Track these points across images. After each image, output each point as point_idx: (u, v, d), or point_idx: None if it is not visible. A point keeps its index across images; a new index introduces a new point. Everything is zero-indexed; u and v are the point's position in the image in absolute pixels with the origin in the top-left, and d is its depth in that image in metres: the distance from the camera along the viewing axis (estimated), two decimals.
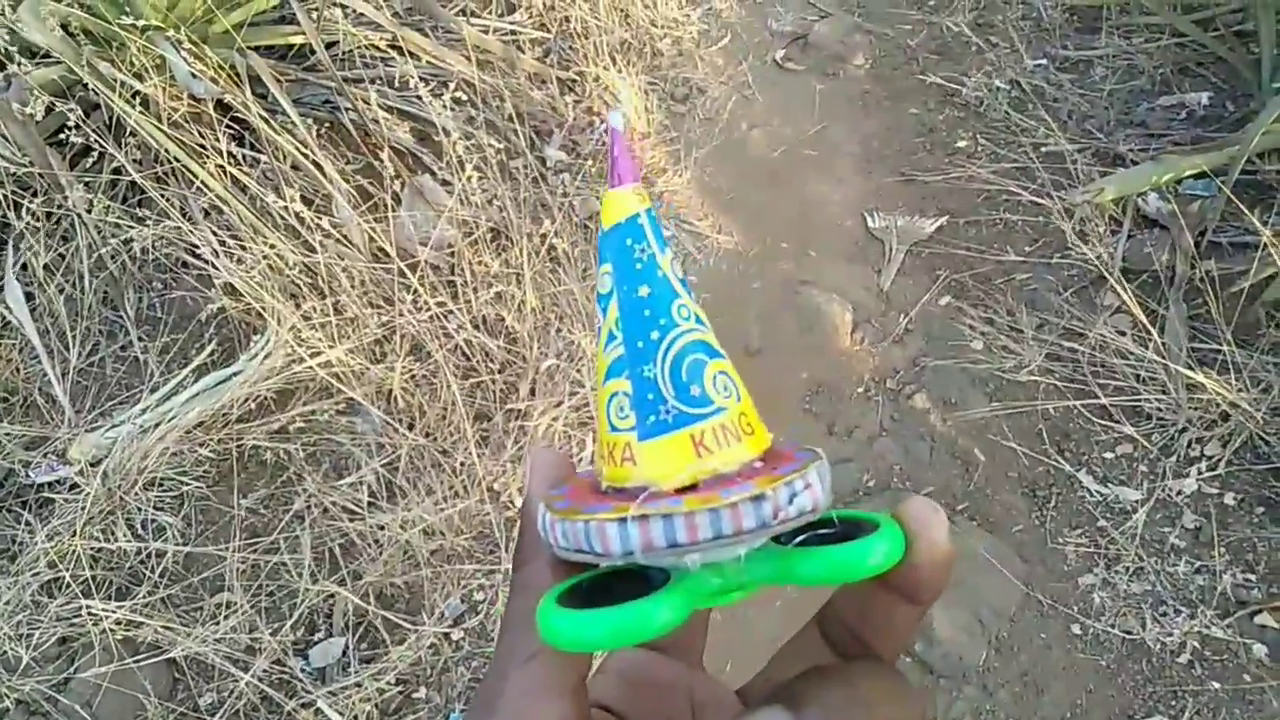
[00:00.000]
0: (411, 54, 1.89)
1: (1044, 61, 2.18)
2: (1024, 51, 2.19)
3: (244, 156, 1.66)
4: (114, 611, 1.37)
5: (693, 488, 0.26)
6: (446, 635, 1.40)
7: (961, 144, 2.05)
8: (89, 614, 1.36)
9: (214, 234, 1.55)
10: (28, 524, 1.48)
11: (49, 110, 1.62)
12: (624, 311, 0.27)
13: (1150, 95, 2.05)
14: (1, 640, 1.36)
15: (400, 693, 1.35)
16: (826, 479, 0.26)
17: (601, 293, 0.28)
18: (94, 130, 1.57)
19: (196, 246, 1.57)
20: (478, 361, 1.62)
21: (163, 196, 1.59)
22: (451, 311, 1.62)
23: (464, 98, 1.80)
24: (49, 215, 1.71)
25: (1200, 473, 1.49)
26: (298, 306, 1.58)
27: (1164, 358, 1.55)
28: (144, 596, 1.41)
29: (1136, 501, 1.48)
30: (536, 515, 0.28)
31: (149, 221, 1.62)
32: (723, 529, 0.24)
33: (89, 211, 1.65)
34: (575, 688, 0.27)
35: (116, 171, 1.70)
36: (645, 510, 0.24)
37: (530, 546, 0.29)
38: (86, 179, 1.70)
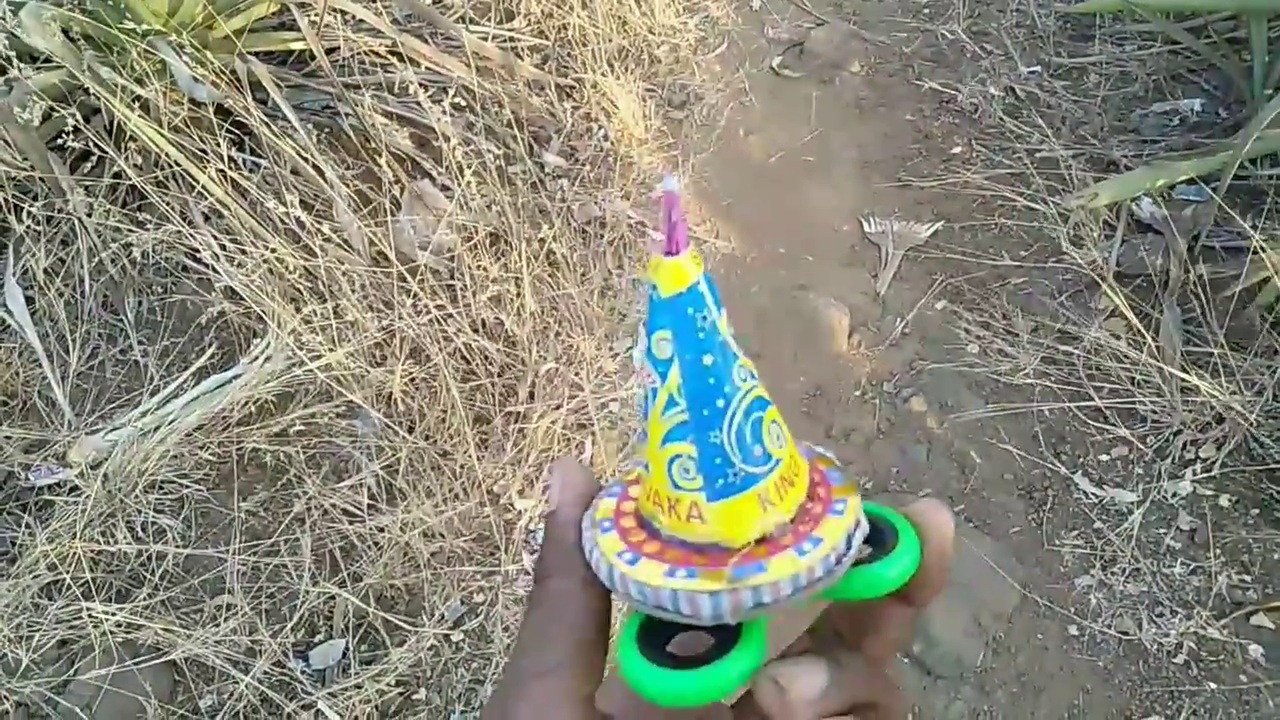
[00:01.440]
0: (411, 60, 1.90)
1: (1038, 68, 2.20)
2: (1018, 58, 2.21)
3: (244, 161, 1.67)
4: (114, 614, 1.37)
5: (762, 539, 0.28)
6: (446, 637, 1.40)
7: (957, 150, 2.06)
8: (89, 616, 1.37)
9: (214, 238, 1.56)
10: (28, 526, 1.48)
11: (46, 117, 1.63)
12: (687, 379, 0.28)
13: (1143, 102, 2.07)
14: (1, 643, 1.36)
15: (400, 694, 1.36)
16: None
17: (660, 357, 0.28)
18: (94, 135, 1.58)
19: (197, 250, 1.58)
20: (477, 365, 1.62)
21: (163, 201, 1.60)
22: (451, 315, 1.63)
23: (463, 104, 1.81)
24: (49, 219, 1.72)
25: (1195, 475, 1.50)
26: (298, 310, 1.58)
27: (1158, 361, 1.56)
28: (144, 599, 1.42)
29: (1132, 503, 1.49)
30: (564, 532, 0.30)
31: (149, 225, 1.63)
32: (800, 584, 0.27)
33: (89, 215, 1.66)
34: (589, 699, 0.28)
35: (117, 176, 1.70)
36: (737, 585, 0.26)
37: (558, 562, 0.29)
38: (87, 183, 1.71)
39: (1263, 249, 1.53)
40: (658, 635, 0.28)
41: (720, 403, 0.28)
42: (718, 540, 0.28)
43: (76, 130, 1.55)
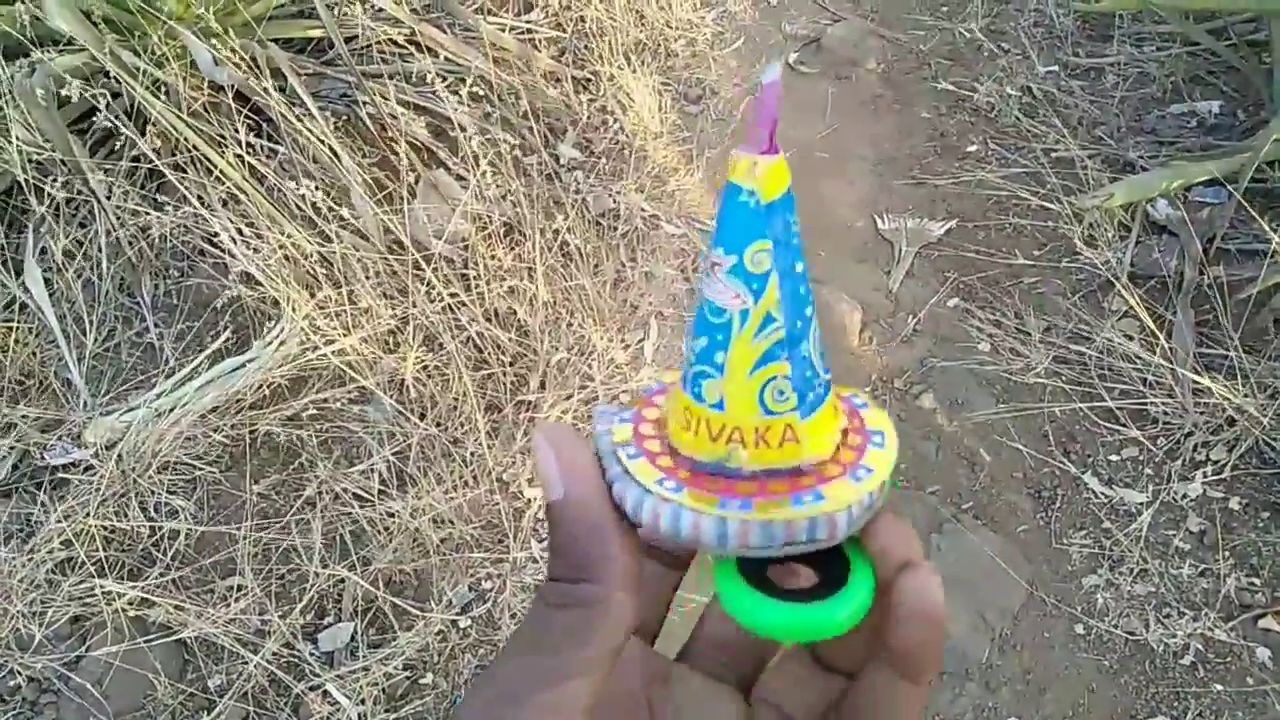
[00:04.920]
0: (429, 50, 1.91)
1: (1055, 68, 2.19)
2: (1036, 58, 2.21)
3: (262, 147, 1.68)
4: (126, 591, 1.39)
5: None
6: (454, 623, 1.41)
7: (972, 148, 2.06)
8: (102, 593, 1.38)
9: (231, 222, 1.57)
10: (43, 504, 1.50)
11: (63, 102, 1.64)
12: (785, 292, 0.26)
13: (1161, 103, 2.06)
14: (15, 618, 1.38)
15: (407, 678, 1.37)
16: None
17: (756, 272, 0.25)
18: (115, 117, 1.59)
19: (214, 234, 1.59)
20: (489, 353, 1.63)
21: (181, 184, 1.61)
22: (464, 304, 1.64)
23: (480, 94, 1.82)
24: (69, 201, 1.73)
25: (1205, 477, 1.49)
26: (312, 295, 1.60)
27: (1171, 362, 1.56)
28: (156, 577, 1.43)
29: (1141, 504, 1.49)
30: (587, 525, 0.27)
31: (167, 208, 1.64)
32: (862, 509, 0.26)
33: (108, 197, 1.67)
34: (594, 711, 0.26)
35: (136, 159, 1.72)
36: (812, 511, 0.26)
37: (580, 558, 0.26)
38: (106, 165, 1.72)
39: (1279, 252, 1.52)
40: (751, 571, 0.27)
41: (808, 310, 0.27)
42: (813, 458, 0.27)
43: (100, 110, 1.57)
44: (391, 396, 1.58)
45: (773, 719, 0.31)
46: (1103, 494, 1.51)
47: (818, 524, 0.26)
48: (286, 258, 1.60)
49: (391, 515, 1.48)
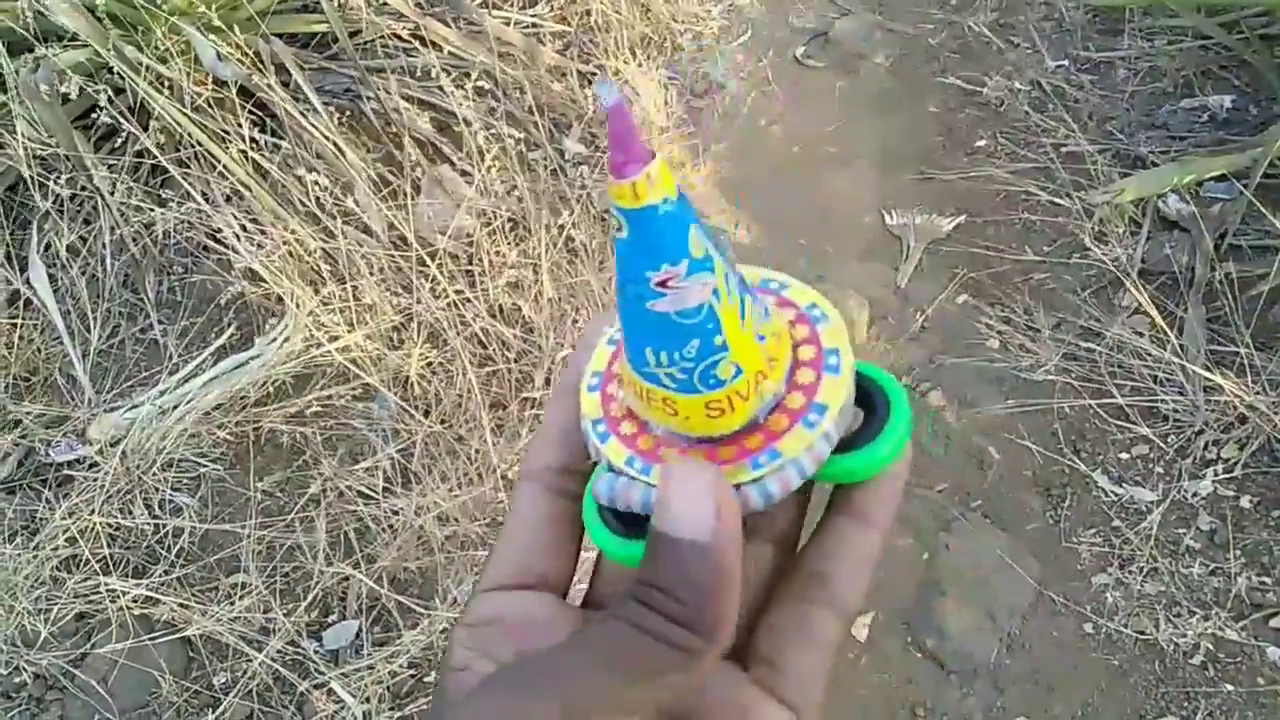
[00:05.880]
0: (434, 44, 1.90)
1: (1065, 62, 2.18)
2: (1045, 52, 2.19)
3: (266, 143, 1.67)
4: (131, 589, 1.38)
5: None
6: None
7: (981, 143, 2.04)
8: (107, 591, 1.38)
9: (235, 218, 1.57)
10: (48, 501, 1.50)
11: (66, 98, 1.63)
12: (726, 259, 0.27)
13: (1172, 97, 2.04)
14: (21, 614, 1.38)
15: (412, 676, 1.36)
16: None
17: (699, 256, 0.26)
18: (119, 114, 1.59)
19: (218, 231, 1.59)
20: (494, 350, 1.62)
21: (185, 180, 1.60)
22: (469, 300, 1.63)
23: (485, 89, 1.81)
24: (73, 197, 1.73)
25: (1216, 475, 1.48)
26: (316, 292, 1.59)
27: (1182, 359, 1.54)
28: (161, 575, 1.43)
29: (1151, 502, 1.48)
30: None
31: (171, 204, 1.64)
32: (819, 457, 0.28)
33: (112, 193, 1.67)
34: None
35: (139, 155, 1.71)
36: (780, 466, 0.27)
37: (698, 605, 0.25)
38: (110, 161, 1.72)
39: None
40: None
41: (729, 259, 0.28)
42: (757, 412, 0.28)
43: (104, 106, 1.56)
44: (396, 394, 1.57)
45: None
46: (1113, 492, 1.50)
47: (768, 486, 0.27)
48: (290, 254, 1.59)
49: (396, 513, 1.47)
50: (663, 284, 0.26)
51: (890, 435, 0.28)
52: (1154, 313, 1.58)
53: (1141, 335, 1.62)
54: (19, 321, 1.68)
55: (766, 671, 0.29)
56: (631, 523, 0.29)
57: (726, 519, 0.25)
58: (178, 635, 1.38)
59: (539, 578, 0.30)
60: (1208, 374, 1.50)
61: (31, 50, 1.64)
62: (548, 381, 1.62)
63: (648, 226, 0.25)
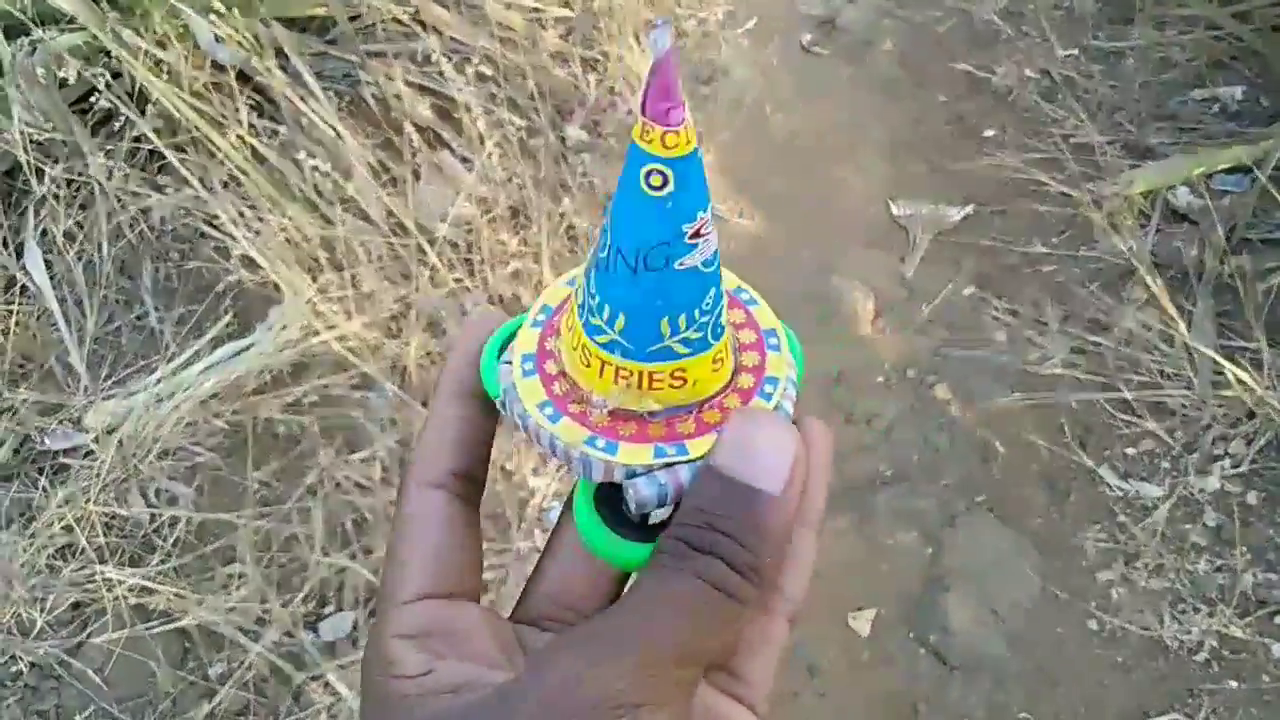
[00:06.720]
0: (434, 29, 1.87)
1: (1075, 51, 2.15)
2: (1055, 41, 2.16)
3: (264, 128, 1.65)
4: (127, 578, 1.37)
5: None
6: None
7: (989, 133, 2.02)
8: (102, 580, 1.37)
9: (232, 204, 1.55)
10: (44, 489, 1.49)
11: (62, 83, 1.61)
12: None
13: (1183, 88, 2.01)
14: (17, 603, 1.37)
15: None
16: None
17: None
18: (116, 98, 1.57)
19: (215, 217, 1.57)
20: None
21: (182, 165, 1.59)
22: (468, 288, 1.61)
23: (486, 74, 1.78)
24: (69, 182, 1.71)
25: (1224, 470, 1.46)
26: (314, 280, 1.57)
27: (1190, 353, 1.52)
28: (156, 564, 1.42)
29: (1158, 498, 1.46)
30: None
31: (168, 190, 1.62)
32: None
33: (109, 179, 1.65)
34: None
35: (136, 140, 1.69)
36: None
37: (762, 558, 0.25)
38: (107, 147, 1.70)
39: None
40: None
41: None
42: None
43: (102, 90, 1.54)
44: (394, 383, 1.56)
45: None
46: (1118, 487, 1.48)
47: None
48: (288, 240, 1.57)
49: (393, 503, 1.46)
50: (696, 234, 0.25)
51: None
52: (1164, 305, 1.56)
53: (1150, 329, 1.60)
54: (14, 308, 1.66)
55: (724, 679, 0.29)
56: (626, 524, 0.28)
57: (800, 476, 0.25)
58: (174, 625, 1.37)
59: (457, 586, 0.30)
60: (1216, 369, 1.48)
61: (28, 33, 1.62)
62: None
63: (695, 172, 0.25)
